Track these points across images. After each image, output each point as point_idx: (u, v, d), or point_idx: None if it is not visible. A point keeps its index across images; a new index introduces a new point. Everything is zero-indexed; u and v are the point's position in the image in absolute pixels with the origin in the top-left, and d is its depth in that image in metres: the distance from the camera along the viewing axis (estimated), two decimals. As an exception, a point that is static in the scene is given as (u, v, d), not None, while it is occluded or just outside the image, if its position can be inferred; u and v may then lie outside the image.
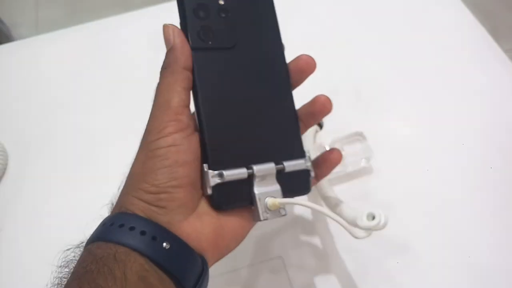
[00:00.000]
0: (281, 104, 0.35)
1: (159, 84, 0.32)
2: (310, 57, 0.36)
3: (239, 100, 0.34)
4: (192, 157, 0.31)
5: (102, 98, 0.62)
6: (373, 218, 0.32)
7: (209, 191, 0.31)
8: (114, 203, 0.31)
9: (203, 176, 0.32)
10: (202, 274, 0.30)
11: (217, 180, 0.31)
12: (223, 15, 0.34)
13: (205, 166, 0.32)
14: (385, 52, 0.62)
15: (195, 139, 0.31)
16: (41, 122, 0.61)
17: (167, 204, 0.29)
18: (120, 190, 0.31)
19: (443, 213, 0.49)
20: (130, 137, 0.56)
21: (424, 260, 0.46)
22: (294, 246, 0.48)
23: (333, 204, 0.41)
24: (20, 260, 0.50)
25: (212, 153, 0.32)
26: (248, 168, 0.32)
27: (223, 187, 0.32)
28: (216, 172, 0.32)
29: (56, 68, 0.66)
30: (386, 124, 0.55)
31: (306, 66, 0.35)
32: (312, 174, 0.36)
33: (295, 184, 0.35)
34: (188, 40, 0.33)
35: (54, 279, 0.30)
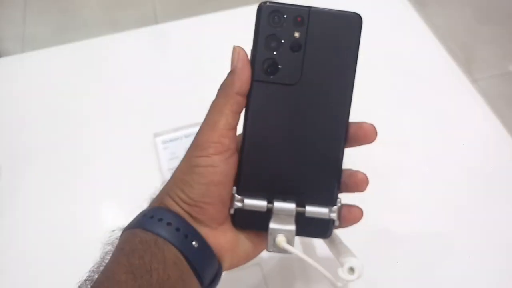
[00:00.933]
0: (327, 152, 0.35)
1: (213, 101, 0.34)
2: (373, 127, 0.35)
3: (285, 137, 0.35)
4: (227, 179, 0.34)
5: (90, 113, 0.64)
6: (353, 270, 0.35)
7: (232, 212, 0.35)
8: (154, 197, 0.36)
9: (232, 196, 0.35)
10: (217, 275, 0.35)
11: (239, 204, 0.35)
12: (295, 49, 0.34)
13: (234, 188, 0.35)
14: (362, 80, 0.66)
15: (232, 161, 0.34)
16: (32, 135, 0.63)
17: (199, 216, 0.34)
18: (162, 185, 0.36)
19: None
20: (118, 152, 0.59)
21: (423, 260, 0.48)
22: (272, 254, 0.49)
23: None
24: (7, 267, 0.52)
25: (243, 181, 0.35)
26: (269, 202, 0.35)
27: (244, 211, 0.35)
28: (240, 197, 0.35)
29: (47, 83, 0.68)
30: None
31: (363, 137, 0.35)
32: (337, 223, 0.36)
33: (313, 227, 0.35)
34: (252, 69, 0.34)
35: (101, 253, 0.35)
